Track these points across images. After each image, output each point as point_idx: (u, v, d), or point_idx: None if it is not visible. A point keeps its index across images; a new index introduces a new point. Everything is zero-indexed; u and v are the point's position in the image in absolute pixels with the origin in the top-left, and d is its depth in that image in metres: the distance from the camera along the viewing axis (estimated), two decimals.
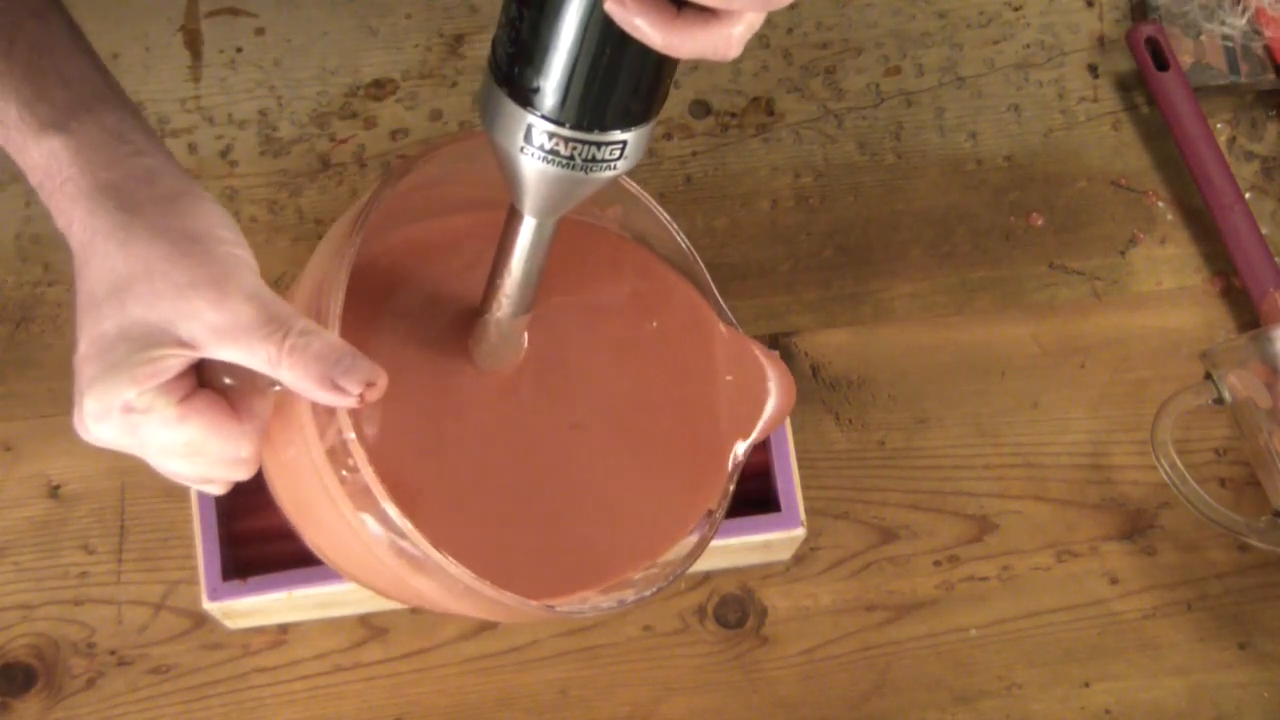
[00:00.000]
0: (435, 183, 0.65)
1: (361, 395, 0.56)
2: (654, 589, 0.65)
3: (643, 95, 0.54)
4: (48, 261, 0.85)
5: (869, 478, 0.83)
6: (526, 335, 0.66)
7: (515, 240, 0.60)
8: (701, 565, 0.80)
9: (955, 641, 0.81)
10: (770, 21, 0.91)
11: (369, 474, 0.56)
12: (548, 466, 0.66)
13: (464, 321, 0.65)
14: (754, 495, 0.80)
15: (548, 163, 0.55)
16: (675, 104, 0.89)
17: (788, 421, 0.77)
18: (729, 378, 0.70)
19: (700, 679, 0.80)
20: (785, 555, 0.81)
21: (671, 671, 0.80)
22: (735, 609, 0.81)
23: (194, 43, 0.89)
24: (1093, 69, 0.90)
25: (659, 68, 0.54)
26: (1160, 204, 0.89)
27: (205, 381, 0.57)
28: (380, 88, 0.89)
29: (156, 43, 0.90)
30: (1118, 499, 0.83)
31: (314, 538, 0.64)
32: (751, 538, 0.76)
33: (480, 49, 0.91)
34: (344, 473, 0.57)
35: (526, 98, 0.53)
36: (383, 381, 0.56)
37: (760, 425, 0.70)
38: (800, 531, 0.76)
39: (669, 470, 0.69)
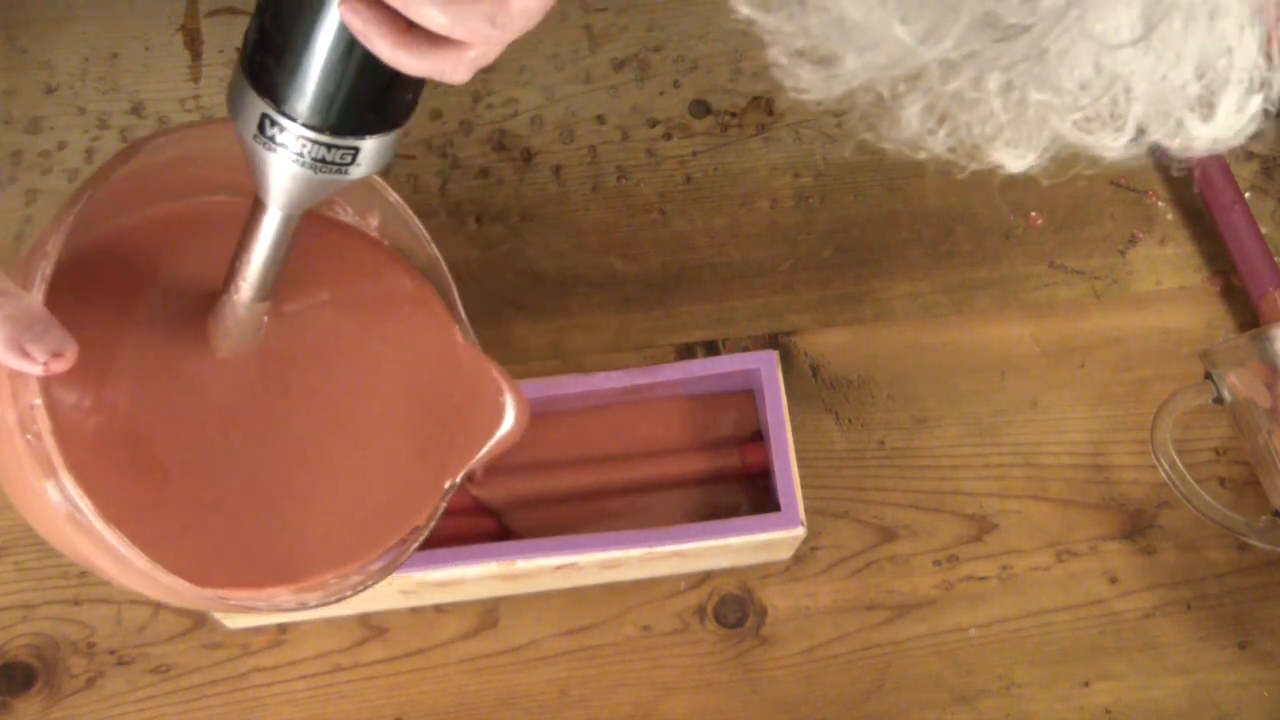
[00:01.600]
0: (194, 162, 0.65)
1: (47, 364, 0.56)
2: (337, 597, 0.65)
3: (376, 105, 0.55)
4: None
5: (869, 477, 0.83)
6: (265, 322, 0.66)
7: (256, 228, 0.61)
8: (701, 565, 0.80)
9: (955, 641, 0.81)
10: None
11: (50, 443, 0.56)
12: (263, 459, 0.67)
13: (209, 305, 0.66)
14: (754, 494, 0.80)
15: (278, 156, 0.56)
16: (675, 103, 0.89)
17: (787, 421, 0.77)
18: (462, 396, 0.70)
19: (700, 679, 0.80)
20: (785, 555, 0.81)
21: (671, 671, 0.80)
22: (735, 609, 0.81)
23: (194, 42, 0.89)
24: None
25: (394, 80, 0.54)
26: (1160, 203, 0.89)
27: None
28: None
29: (156, 42, 0.90)
30: (1117, 499, 0.83)
31: (14, 499, 0.63)
32: (751, 537, 0.76)
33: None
34: (29, 438, 0.57)
35: (264, 87, 0.54)
36: (71, 353, 0.56)
37: (488, 447, 0.70)
38: (800, 531, 0.76)
39: (383, 480, 0.69)
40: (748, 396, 0.81)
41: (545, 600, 0.80)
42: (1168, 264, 0.87)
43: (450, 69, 0.52)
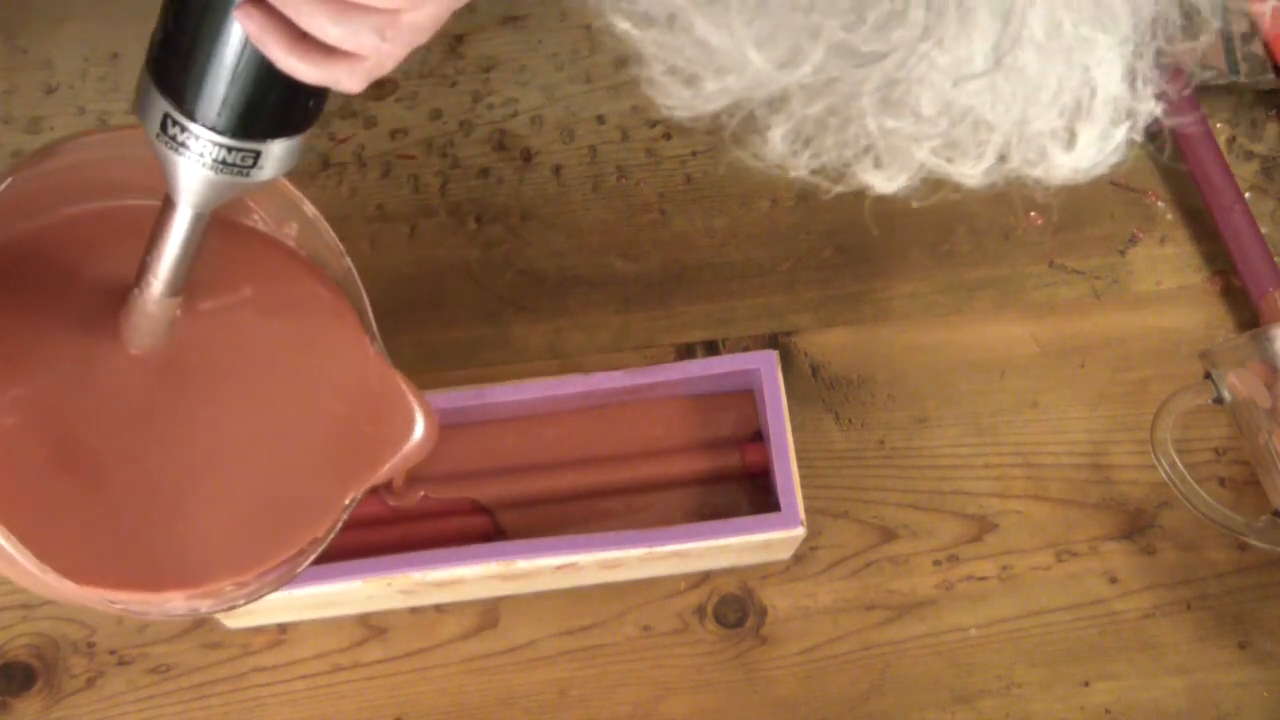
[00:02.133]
0: (112, 164, 0.65)
1: None
2: (229, 604, 0.65)
3: (276, 110, 0.56)
4: None
5: (869, 477, 0.83)
6: (177, 320, 0.66)
7: (166, 225, 0.61)
8: (701, 565, 0.80)
9: (955, 641, 0.81)
10: None
11: None
12: (165, 461, 0.67)
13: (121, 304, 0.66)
14: (754, 494, 0.80)
15: (180, 156, 0.56)
16: None
17: (787, 421, 0.77)
18: (371, 409, 0.70)
19: (700, 679, 0.80)
20: (785, 555, 0.81)
21: (671, 671, 0.80)
22: (735, 608, 0.81)
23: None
24: None
25: (293, 86, 0.55)
26: (1160, 203, 0.89)
27: None
28: (380, 87, 0.89)
29: None
30: (1117, 498, 0.83)
31: None
32: (751, 537, 0.76)
33: (480, 48, 0.91)
34: None
35: (167, 88, 0.55)
36: None
37: (394, 462, 0.70)
38: (800, 531, 0.76)
39: (286, 489, 0.69)
40: (748, 396, 0.81)
41: (545, 600, 0.80)
42: (1168, 264, 0.87)
43: (345, 78, 0.53)
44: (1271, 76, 0.89)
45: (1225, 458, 0.84)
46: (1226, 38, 0.89)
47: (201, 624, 0.80)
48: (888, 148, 0.54)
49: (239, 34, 0.53)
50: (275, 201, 0.71)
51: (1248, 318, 0.86)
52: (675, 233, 0.87)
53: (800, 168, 0.55)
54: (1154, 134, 0.83)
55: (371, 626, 0.80)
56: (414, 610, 0.80)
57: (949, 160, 0.55)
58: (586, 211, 0.88)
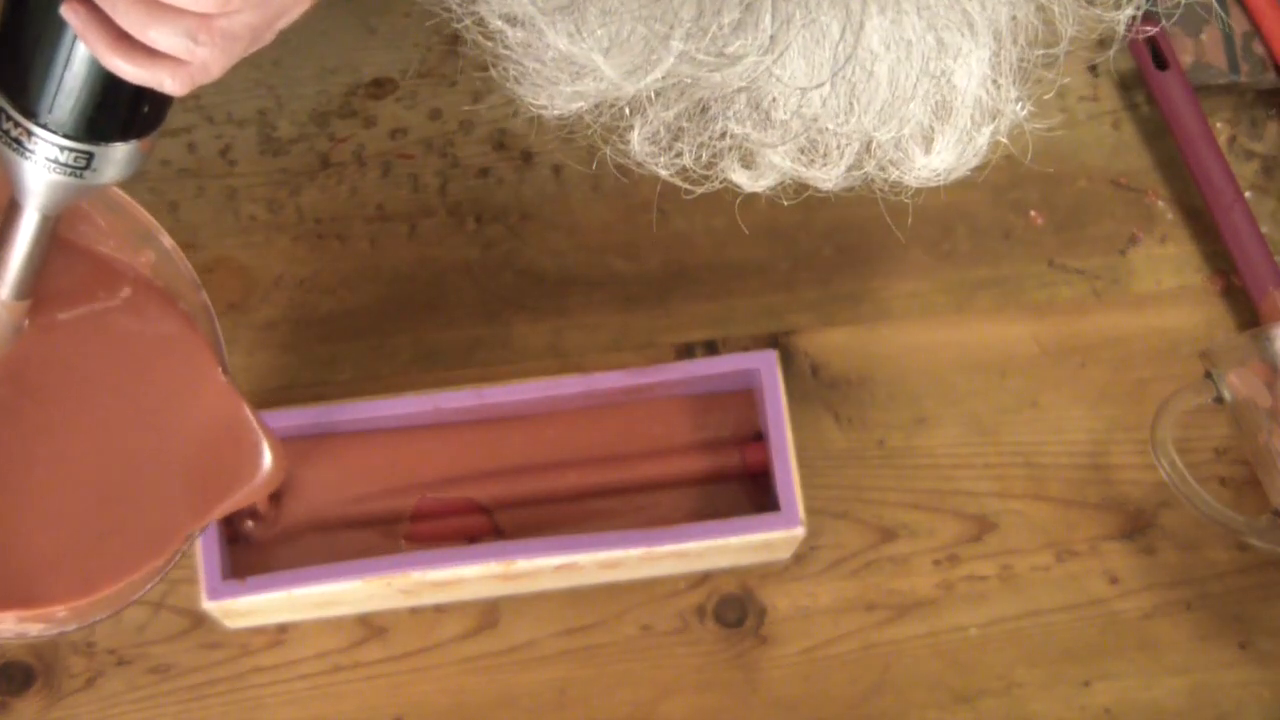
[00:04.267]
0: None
1: None
2: (59, 630, 0.65)
3: (109, 112, 0.55)
4: None
5: (868, 477, 0.83)
6: (25, 326, 0.66)
7: (9, 226, 0.61)
8: (701, 564, 0.80)
9: (955, 641, 0.81)
10: None
11: None
12: (9, 478, 0.66)
13: None
14: (754, 494, 0.80)
15: (14, 152, 0.56)
16: None
17: (787, 421, 0.77)
18: (218, 441, 0.70)
19: (700, 678, 0.80)
20: (785, 555, 0.81)
21: (671, 671, 0.80)
22: (735, 608, 0.81)
23: None
24: (1093, 68, 0.90)
25: (125, 88, 0.54)
26: (1160, 203, 0.88)
27: None
28: (379, 87, 0.89)
29: None
30: (1118, 498, 0.83)
31: None
32: (751, 537, 0.76)
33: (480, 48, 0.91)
34: None
35: (2, 81, 0.55)
36: None
37: (241, 494, 0.69)
38: (800, 531, 0.76)
39: (128, 514, 0.68)
40: (748, 396, 0.81)
41: (545, 600, 0.80)
42: (1168, 264, 0.87)
43: (168, 80, 0.53)
44: (1272, 76, 0.89)
45: (1225, 458, 0.84)
46: (1227, 37, 0.89)
47: (201, 624, 0.80)
48: (746, 149, 0.54)
49: (69, 30, 0.53)
50: (132, 229, 0.70)
51: (1248, 318, 0.86)
52: (675, 233, 0.87)
53: (662, 168, 0.55)
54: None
55: (371, 626, 0.80)
56: (414, 610, 0.80)
57: (807, 164, 0.55)
58: (586, 211, 0.88)
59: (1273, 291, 0.84)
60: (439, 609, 0.80)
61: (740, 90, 0.51)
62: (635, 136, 0.55)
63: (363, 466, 0.80)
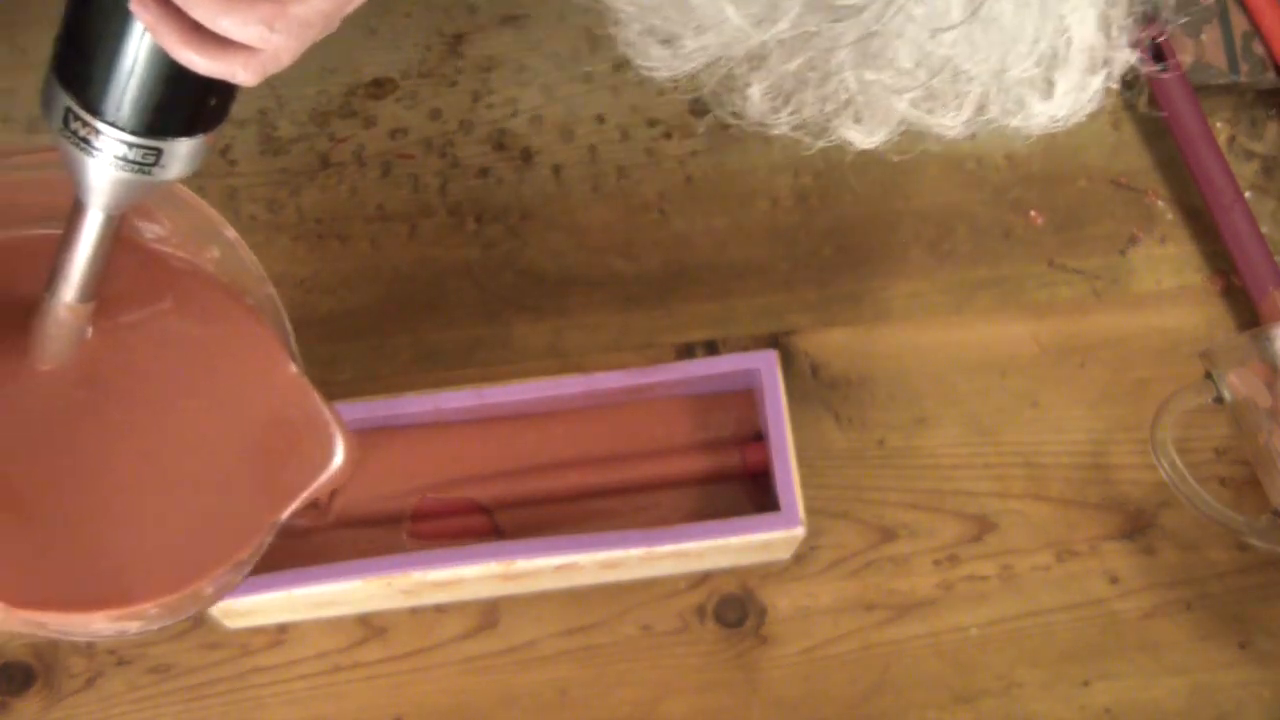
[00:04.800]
0: (35, 188, 0.65)
1: None
2: (160, 624, 0.65)
3: (178, 107, 0.55)
4: None
5: (868, 477, 0.83)
6: (88, 332, 0.66)
7: (74, 228, 0.61)
8: (701, 564, 0.80)
9: (955, 641, 0.81)
10: None
11: None
12: (85, 480, 0.66)
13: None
14: (754, 494, 0.80)
15: (81, 151, 0.56)
16: (675, 103, 0.89)
17: (787, 421, 0.77)
18: (291, 432, 0.70)
19: (700, 678, 0.80)
20: (785, 555, 0.81)
21: (671, 671, 0.80)
22: (735, 608, 0.81)
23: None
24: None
25: (195, 82, 0.54)
26: (1160, 203, 0.89)
27: None
28: (380, 87, 0.89)
29: None
30: (1118, 498, 0.83)
31: None
32: (751, 537, 0.76)
33: (480, 48, 0.91)
34: None
35: (69, 81, 0.55)
36: None
37: (315, 485, 0.70)
38: (800, 531, 0.76)
39: (208, 509, 0.68)
40: (748, 396, 0.81)
41: (545, 600, 0.80)
42: (1168, 264, 0.87)
43: (239, 71, 0.53)
44: (1272, 76, 0.89)
45: (1225, 458, 0.84)
46: (1227, 37, 0.89)
47: (201, 624, 0.80)
48: (867, 101, 0.54)
49: (136, 25, 0.53)
50: (196, 225, 0.70)
51: (1248, 318, 0.86)
52: (675, 233, 0.87)
53: (781, 124, 0.55)
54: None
55: (371, 626, 0.80)
56: (414, 610, 0.80)
57: (929, 112, 0.55)
58: (586, 211, 0.88)
59: (1273, 291, 0.84)
60: (439, 609, 0.80)
61: (868, 37, 0.51)
62: (755, 91, 0.54)
63: (363, 467, 0.79)
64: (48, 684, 0.79)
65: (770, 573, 0.81)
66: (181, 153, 0.57)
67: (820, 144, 0.56)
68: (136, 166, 0.56)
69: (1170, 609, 0.81)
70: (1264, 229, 0.86)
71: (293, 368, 0.71)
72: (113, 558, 0.66)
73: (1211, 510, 0.79)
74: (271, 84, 0.88)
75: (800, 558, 0.82)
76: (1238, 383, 0.80)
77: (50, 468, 0.66)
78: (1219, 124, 0.89)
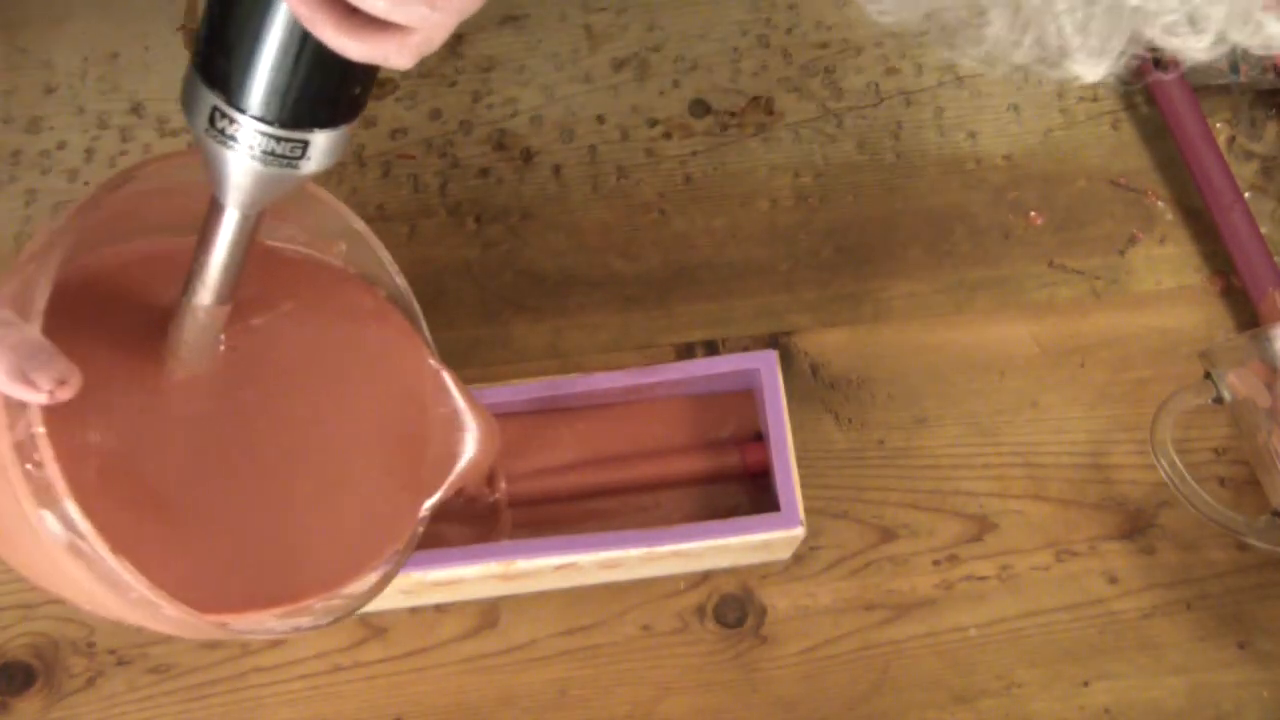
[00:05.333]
0: (178, 193, 0.65)
1: (52, 392, 0.55)
2: (332, 618, 0.65)
3: (326, 98, 0.55)
4: None
5: (868, 477, 0.83)
6: (222, 338, 0.66)
7: (212, 229, 0.60)
8: (701, 564, 0.80)
9: (955, 641, 0.81)
10: (769, 21, 0.91)
11: (53, 470, 0.56)
12: (246, 482, 0.66)
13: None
14: (754, 494, 0.80)
15: (229, 149, 0.55)
16: (675, 103, 0.89)
17: (787, 421, 0.77)
18: (433, 420, 0.71)
19: (700, 678, 0.80)
20: (785, 555, 0.81)
21: (671, 671, 0.80)
22: (735, 608, 0.81)
23: (193, 42, 0.89)
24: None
25: (344, 71, 0.54)
26: (1160, 203, 0.89)
27: None
28: (380, 87, 0.89)
29: (156, 42, 0.90)
30: (1117, 498, 0.83)
31: None
32: (751, 537, 0.76)
33: (480, 48, 0.91)
34: (29, 467, 0.57)
35: (213, 80, 0.54)
36: (76, 380, 0.56)
37: (459, 470, 0.71)
38: (800, 531, 0.76)
39: (364, 505, 0.69)
40: (748, 396, 0.81)
41: (545, 600, 0.80)
42: (1168, 264, 0.87)
43: (394, 54, 0.52)
44: (1271, 76, 0.89)
45: (1225, 458, 0.84)
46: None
47: None
48: (1104, 30, 0.54)
49: (285, 17, 0.52)
50: (321, 220, 0.70)
51: (1248, 318, 0.86)
52: (675, 233, 0.87)
53: (1019, 57, 0.55)
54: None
55: (371, 626, 0.80)
56: (414, 610, 0.80)
57: (1174, 35, 0.54)
58: (586, 211, 0.88)
59: (1272, 292, 0.84)
60: (439, 609, 0.80)
61: None
62: (991, 29, 0.54)
63: None
64: (48, 684, 0.79)
65: (770, 573, 0.81)
66: (326, 145, 0.56)
67: (1054, 75, 0.55)
68: (283, 161, 0.56)
69: (1170, 609, 0.81)
70: (1263, 229, 0.86)
71: (432, 357, 0.71)
72: (279, 557, 0.66)
73: (1211, 510, 0.79)
74: None
75: (800, 558, 0.82)
76: (1237, 383, 0.80)
77: (206, 475, 0.66)
78: (1219, 124, 0.89)
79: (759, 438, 0.81)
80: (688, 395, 0.81)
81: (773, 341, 0.85)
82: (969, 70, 0.90)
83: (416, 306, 0.72)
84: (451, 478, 0.71)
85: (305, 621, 0.65)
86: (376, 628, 0.80)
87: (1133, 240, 0.88)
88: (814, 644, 0.80)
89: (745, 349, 0.84)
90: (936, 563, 0.82)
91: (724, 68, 0.90)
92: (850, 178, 0.88)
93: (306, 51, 0.53)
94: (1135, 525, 0.83)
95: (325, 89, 0.55)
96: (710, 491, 0.80)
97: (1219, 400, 0.80)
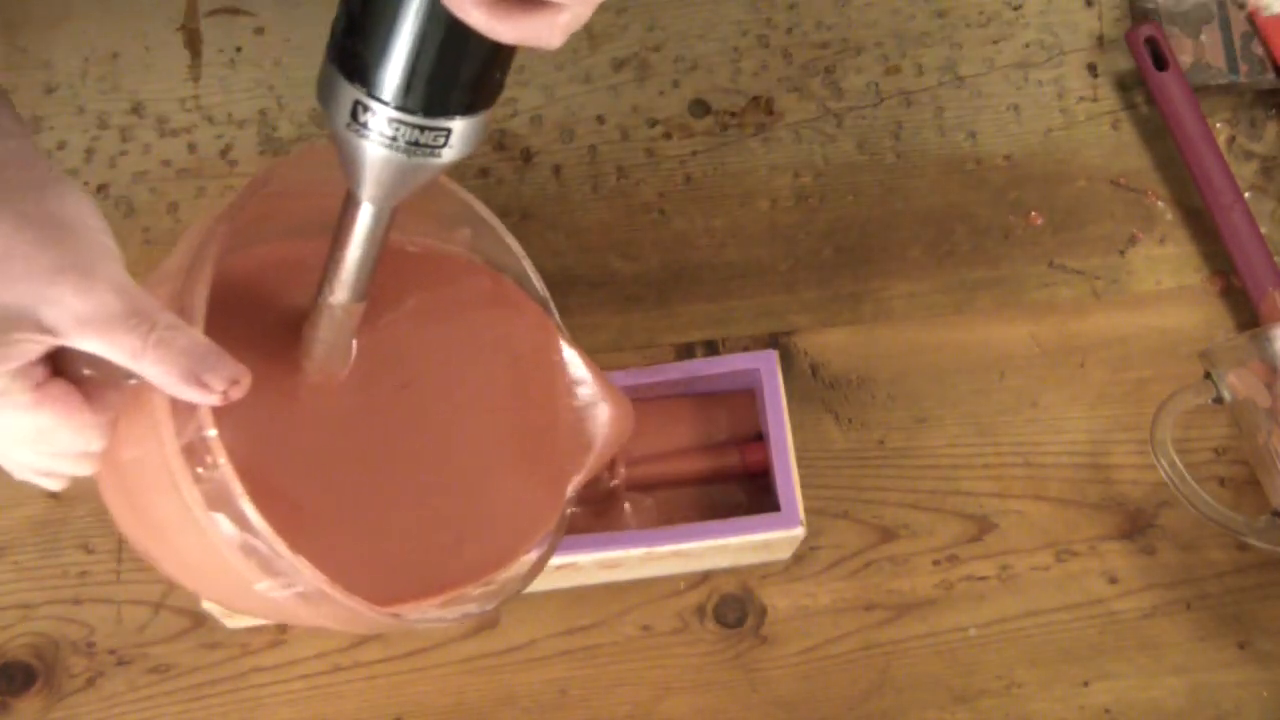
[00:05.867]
0: (304, 194, 0.64)
1: (225, 392, 0.55)
2: (495, 604, 0.66)
3: (469, 84, 0.55)
4: None
5: (868, 477, 0.83)
6: (354, 340, 0.66)
7: (348, 225, 0.60)
8: (701, 564, 0.80)
9: (955, 641, 0.81)
10: (769, 21, 0.91)
11: (228, 471, 0.56)
12: (392, 476, 0.67)
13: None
14: (754, 494, 0.80)
15: (371, 141, 0.55)
16: (675, 103, 0.89)
17: (787, 421, 0.77)
18: (569, 400, 0.71)
19: (700, 678, 0.80)
20: (785, 555, 0.81)
21: (671, 671, 0.80)
22: (735, 608, 0.81)
23: (194, 42, 0.89)
24: (1092, 68, 0.90)
25: (487, 56, 0.54)
26: (1160, 203, 0.89)
27: (60, 370, 0.56)
28: None
29: (156, 42, 0.90)
30: (1117, 498, 0.83)
31: (149, 543, 0.63)
32: (751, 537, 0.76)
33: None
34: (199, 470, 0.56)
35: (354, 73, 0.54)
36: (246, 380, 0.56)
37: (599, 449, 0.71)
38: (800, 531, 0.76)
39: (512, 489, 0.69)
40: (748, 396, 0.81)
41: (545, 600, 0.80)
42: (1167, 264, 0.87)
43: (545, 34, 0.52)
44: (1271, 76, 0.89)
45: (1225, 458, 0.84)
46: (1226, 38, 0.89)
47: (201, 624, 0.80)
48: None
49: (429, 4, 0.52)
50: (443, 209, 0.70)
51: (1248, 318, 0.86)
52: (675, 233, 0.87)
53: None
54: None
55: None
56: None
57: None
58: (586, 211, 0.88)
59: (1272, 292, 0.84)
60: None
61: None
62: None
63: None
64: (48, 684, 0.79)
65: (770, 573, 0.81)
66: (468, 132, 0.56)
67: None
68: (426, 150, 0.55)
69: (1170, 609, 0.81)
70: (1263, 229, 0.86)
71: (564, 339, 0.71)
72: (432, 547, 0.66)
73: (1211, 510, 0.79)
74: (271, 84, 0.88)
75: (800, 558, 0.82)
76: (1237, 383, 0.80)
77: (353, 471, 0.66)
78: (1219, 124, 0.89)
79: (759, 438, 0.81)
80: (688, 395, 0.81)
81: (773, 341, 0.85)
82: (969, 70, 0.90)
83: (544, 290, 0.72)
84: (593, 457, 0.71)
85: (472, 608, 0.65)
86: None
87: (1133, 240, 0.88)
88: (814, 644, 0.80)
89: (745, 349, 0.84)
90: (936, 563, 0.82)
91: (724, 68, 0.90)
92: (850, 178, 0.88)
93: (453, 37, 0.53)
94: (1135, 525, 0.83)
95: (469, 75, 0.54)
96: (710, 491, 0.80)
97: (1219, 400, 0.80)
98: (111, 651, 0.80)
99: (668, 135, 0.89)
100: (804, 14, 0.91)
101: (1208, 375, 0.81)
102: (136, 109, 0.89)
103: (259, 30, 0.89)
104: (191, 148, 0.87)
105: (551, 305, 0.72)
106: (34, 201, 0.56)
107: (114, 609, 0.80)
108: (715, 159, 0.89)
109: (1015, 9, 0.91)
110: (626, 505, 0.79)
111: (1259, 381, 0.79)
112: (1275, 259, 0.85)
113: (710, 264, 0.87)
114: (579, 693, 0.80)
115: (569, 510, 0.71)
